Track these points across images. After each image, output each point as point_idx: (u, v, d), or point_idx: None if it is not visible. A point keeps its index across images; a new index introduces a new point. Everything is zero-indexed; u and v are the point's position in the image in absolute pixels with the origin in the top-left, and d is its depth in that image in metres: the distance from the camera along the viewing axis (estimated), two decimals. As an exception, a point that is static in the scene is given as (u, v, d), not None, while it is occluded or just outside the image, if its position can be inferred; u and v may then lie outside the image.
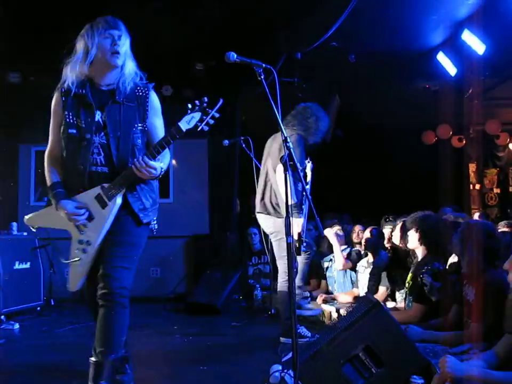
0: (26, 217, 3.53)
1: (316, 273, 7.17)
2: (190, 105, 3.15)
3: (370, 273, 5.78)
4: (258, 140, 5.82)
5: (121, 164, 3.27)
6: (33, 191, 8.71)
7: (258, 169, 5.53)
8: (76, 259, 3.32)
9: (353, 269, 6.42)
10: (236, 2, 6.03)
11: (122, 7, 5.95)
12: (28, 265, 6.76)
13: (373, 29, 7.09)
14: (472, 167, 13.80)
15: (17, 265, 6.56)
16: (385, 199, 10.11)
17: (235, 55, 2.99)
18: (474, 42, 6.96)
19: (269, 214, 5.07)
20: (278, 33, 6.66)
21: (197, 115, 3.13)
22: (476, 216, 7.42)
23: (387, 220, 8.71)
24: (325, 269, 7.00)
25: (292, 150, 2.93)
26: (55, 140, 3.44)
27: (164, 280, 8.61)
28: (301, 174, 3.30)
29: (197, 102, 3.14)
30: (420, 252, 4.62)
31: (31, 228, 3.60)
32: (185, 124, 3.12)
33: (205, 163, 8.96)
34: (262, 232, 5.74)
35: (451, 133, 11.37)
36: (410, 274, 4.65)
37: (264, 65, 3.02)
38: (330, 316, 5.66)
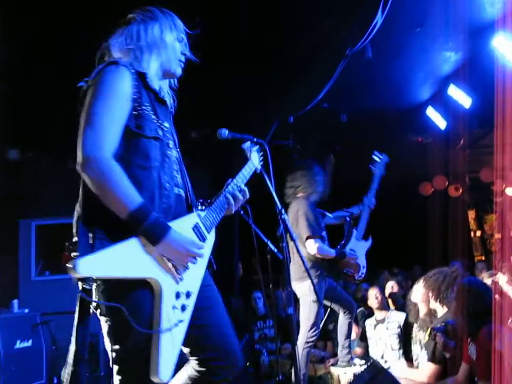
0: (80, 262, 2.01)
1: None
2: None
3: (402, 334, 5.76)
4: (255, 205, 5.86)
5: (188, 187, 2.62)
6: (33, 266, 8.67)
7: (257, 234, 5.54)
8: (176, 322, 2.24)
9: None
10: (229, 73, 6.18)
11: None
12: (29, 343, 6.66)
13: (362, 88, 7.26)
14: (471, 214, 13.85)
15: (18, 344, 6.45)
16: (385, 253, 10.09)
17: (227, 132, 3.04)
18: (460, 96, 7.17)
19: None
20: (270, 100, 6.81)
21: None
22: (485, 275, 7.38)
23: (391, 273, 8.70)
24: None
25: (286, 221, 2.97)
26: (117, 135, 2.28)
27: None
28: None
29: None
30: (439, 310, 4.62)
31: (89, 276, 2.14)
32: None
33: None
34: (265, 296, 5.76)
35: (447, 183, 11.47)
36: (427, 331, 4.62)
37: (255, 139, 3.08)
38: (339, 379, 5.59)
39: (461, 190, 11.54)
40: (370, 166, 5.79)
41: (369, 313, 6.49)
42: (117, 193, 2.15)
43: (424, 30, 5.69)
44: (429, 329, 4.58)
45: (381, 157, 5.83)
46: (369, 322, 6.19)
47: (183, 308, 2.28)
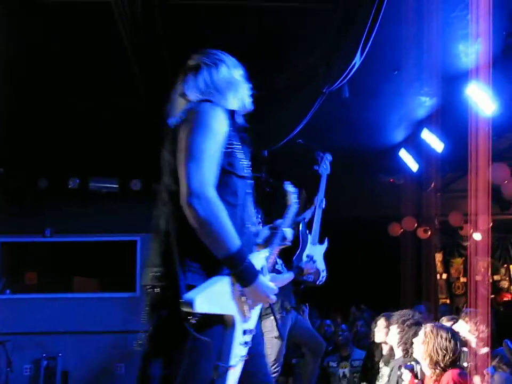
0: (198, 298, 2.08)
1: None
2: None
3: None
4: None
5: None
6: (-6, 284, 8.49)
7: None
8: (240, 358, 2.33)
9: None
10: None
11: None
12: (-17, 364, 6.51)
13: (337, 128, 7.35)
14: (438, 257, 14.00)
15: (-29, 366, 6.30)
16: (352, 291, 10.14)
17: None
18: (433, 141, 7.31)
19: None
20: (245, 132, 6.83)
21: None
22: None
23: (359, 309, 8.71)
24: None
25: None
26: (216, 173, 2.27)
27: (129, 376, 8.31)
28: None
29: None
30: (399, 349, 4.61)
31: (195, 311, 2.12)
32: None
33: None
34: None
35: (416, 224, 11.59)
36: (388, 369, 4.61)
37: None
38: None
39: (429, 233, 11.67)
40: (315, 166, 5.86)
41: (332, 349, 6.45)
42: (221, 233, 2.16)
43: (400, 74, 5.81)
44: (394, 366, 4.58)
45: (322, 155, 5.91)
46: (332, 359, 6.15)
47: (246, 344, 2.37)
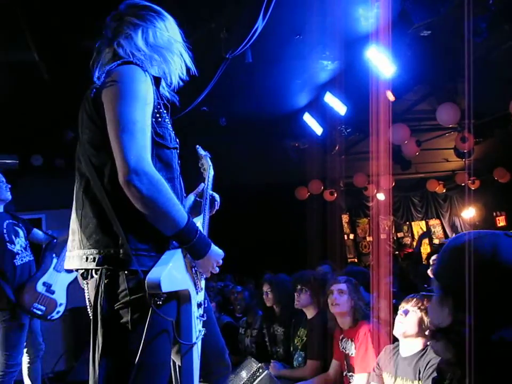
0: (163, 279, 2.01)
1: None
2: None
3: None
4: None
5: None
6: None
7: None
8: (199, 333, 2.28)
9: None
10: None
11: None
12: None
13: (241, 93, 7.29)
14: (345, 218, 14.44)
15: None
16: (262, 257, 10.25)
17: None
18: (336, 104, 7.39)
19: None
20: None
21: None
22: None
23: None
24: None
25: None
26: (149, 143, 2.11)
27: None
28: None
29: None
30: (310, 310, 4.69)
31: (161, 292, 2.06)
32: None
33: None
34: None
35: (322, 187, 11.82)
36: (303, 330, 4.69)
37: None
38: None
39: (335, 195, 11.96)
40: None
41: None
42: (169, 209, 2.05)
43: (302, 38, 5.80)
44: (304, 328, 4.68)
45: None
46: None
47: (202, 317, 2.32)
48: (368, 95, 6.08)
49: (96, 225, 2.10)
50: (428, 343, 3.10)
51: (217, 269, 2.32)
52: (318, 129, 8.48)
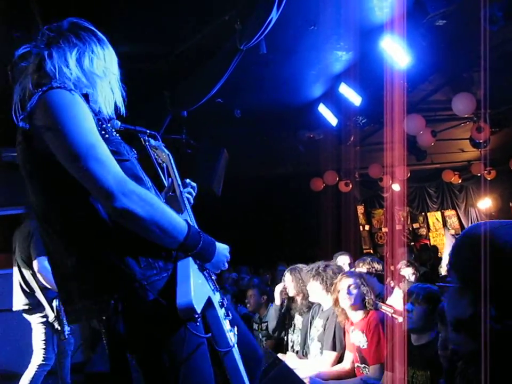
0: (194, 301, 1.90)
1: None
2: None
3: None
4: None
5: None
6: None
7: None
8: (231, 331, 2.20)
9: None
10: (123, 65, 6.00)
11: None
12: None
13: (256, 85, 7.30)
14: (360, 209, 14.41)
15: None
16: (278, 248, 10.27)
17: (119, 123, 2.90)
18: (351, 95, 7.37)
19: None
20: (163, 94, 6.68)
21: None
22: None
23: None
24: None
25: None
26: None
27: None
28: None
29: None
30: (326, 301, 4.71)
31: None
32: None
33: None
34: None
35: (337, 178, 11.81)
36: (321, 321, 4.71)
37: (148, 131, 2.96)
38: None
39: (350, 186, 11.94)
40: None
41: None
42: (168, 222, 1.92)
43: (317, 29, 5.78)
44: (321, 318, 4.69)
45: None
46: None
47: (227, 317, 2.20)
48: (383, 86, 6.06)
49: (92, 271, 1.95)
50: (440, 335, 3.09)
51: (227, 265, 2.21)
52: (333, 120, 8.47)
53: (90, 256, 1.92)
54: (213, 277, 2.22)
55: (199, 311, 1.89)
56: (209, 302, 2.08)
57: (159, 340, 1.93)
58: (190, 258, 2.03)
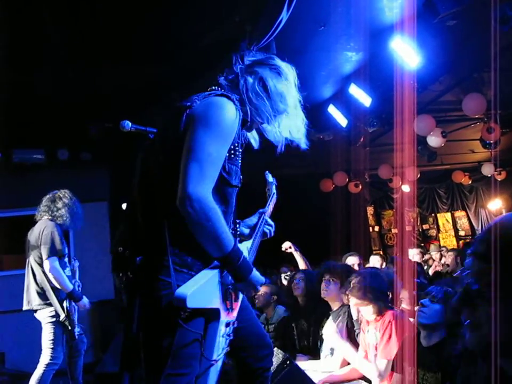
0: (189, 296, 2.10)
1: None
2: None
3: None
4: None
5: None
6: None
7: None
8: (221, 351, 2.40)
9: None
10: (128, 66, 6.03)
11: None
12: None
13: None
14: (370, 210, 14.38)
15: None
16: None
17: (130, 124, 2.95)
18: (360, 95, 7.36)
19: None
20: (173, 95, 6.70)
21: None
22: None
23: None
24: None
25: None
26: (217, 176, 2.27)
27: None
28: None
29: None
30: (336, 302, 4.71)
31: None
32: None
33: (106, 226, 8.71)
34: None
35: (347, 179, 11.79)
36: (331, 322, 4.69)
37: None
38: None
39: (360, 187, 11.92)
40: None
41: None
42: (215, 235, 2.19)
43: (327, 29, 5.78)
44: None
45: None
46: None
47: (228, 337, 2.42)
48: (393, 86, 6.05)
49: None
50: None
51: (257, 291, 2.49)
52: (342, 121, 8.46)
53: (158, 227, 2.25)
54: (237, 300, 2.46)
55: (189, 307, 2.10)
56: (216, 314, 2.30)
57: (163, 324, 2.21)
58: (217, 271, 2.28)
